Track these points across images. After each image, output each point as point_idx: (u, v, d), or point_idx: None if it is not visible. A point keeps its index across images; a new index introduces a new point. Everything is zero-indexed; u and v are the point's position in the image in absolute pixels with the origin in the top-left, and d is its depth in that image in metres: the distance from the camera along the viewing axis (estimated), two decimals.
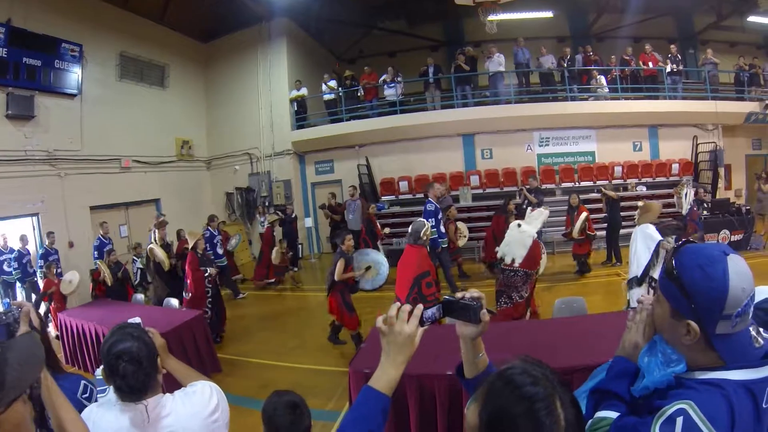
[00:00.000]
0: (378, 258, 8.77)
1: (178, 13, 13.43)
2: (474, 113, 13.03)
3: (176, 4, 13.23)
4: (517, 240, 5.93)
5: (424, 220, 6.17)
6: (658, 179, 12.94)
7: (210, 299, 7.39)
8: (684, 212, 9.54)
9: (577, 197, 9.54)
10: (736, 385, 1.11)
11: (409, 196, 13.12)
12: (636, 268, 4.09)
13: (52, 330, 7.50)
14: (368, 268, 7.63)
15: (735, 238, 10.04)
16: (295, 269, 11.82)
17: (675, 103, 13.08)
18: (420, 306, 1.25)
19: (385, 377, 1.23)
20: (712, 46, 14.15)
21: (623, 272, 9.34)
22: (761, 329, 1.22)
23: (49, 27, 10.06)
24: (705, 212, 10.21)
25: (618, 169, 12.91)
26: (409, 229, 5.56)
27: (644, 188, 12.55)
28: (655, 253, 3.98)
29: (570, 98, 13.12)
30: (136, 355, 1.62)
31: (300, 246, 13.16)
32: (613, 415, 1.27)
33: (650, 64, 13.31)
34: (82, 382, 2.05)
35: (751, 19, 14.10)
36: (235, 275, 11.03)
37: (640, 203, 6.08)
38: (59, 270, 8.86)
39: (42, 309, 8.23)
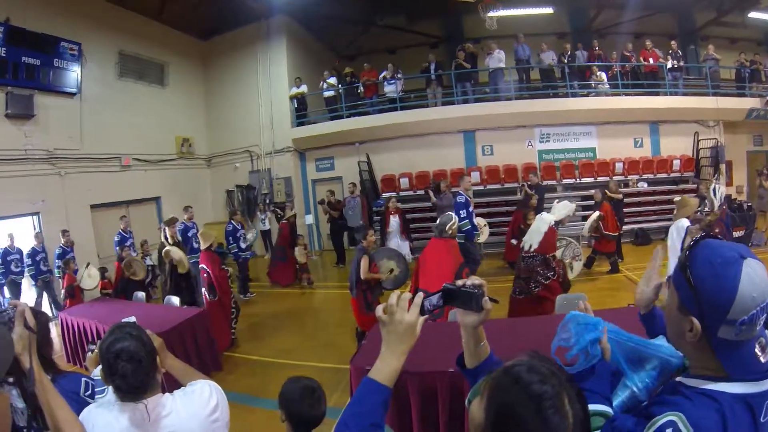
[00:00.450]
0: (400, 256, 8.62)
1: (176, 10, 13.39)
2: (474, 110, 12.99)
3: (174, 2, 13.17)
4: (536, 227, 6.02)
5: (452, 213, 6.07)
6: (659, 175, 12.91)
7: (233, 298, 7.23)
8: (716, 209, 9.38)
9: (600, 193, 9.45)
10: (734, 399, 1.07)
11: (410, 193, 13.08)
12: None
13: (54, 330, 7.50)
14: (391, 270, 7.48)
15: (736, 234, 10.01)
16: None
17: (676, 100, 13.05)
18: (420, 294, 1.23)
19: (386, 368, 1.21)
20: (713, 43, 14.09)
21: (624, 269, 9.37)
22: None
23: (48, 26, 10.04)
24: (706, 209, 10.19)
25: (619, 166, 12.89)
26: (437, 222, 5.60)
27: (645, 185, 12.53)
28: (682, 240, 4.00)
29: (570, 94, 13.10)
30: (135, 353, 1.61)
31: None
32: (608, 410, 1.26)
33: (651, 60, 13.28)
34: (83, 379, 2.04)
35: (752, 15, 14.04)
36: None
37: (677, 198, 6.05)
38: (76, 267, 8.86)
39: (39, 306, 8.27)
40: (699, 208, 9.06)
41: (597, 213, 8.99)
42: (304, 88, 14.21)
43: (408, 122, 13.11)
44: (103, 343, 1.66)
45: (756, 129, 14.36)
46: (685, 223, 4.16)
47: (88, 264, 8.94)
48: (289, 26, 14.81)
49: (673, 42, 13.69)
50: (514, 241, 9.58)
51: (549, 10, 14.62)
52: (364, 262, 5.97)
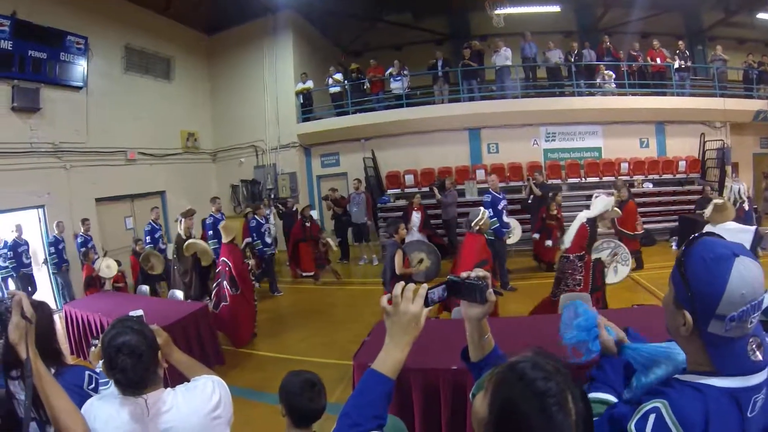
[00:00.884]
0: (430, 248, 8.57)
1: (182, 5, 13.41)
2: (480, 107, 12.95)
3: None
4: (572, 225, 5.76)
5: (482, 209, 6.04)
6: (664, 176, 12.85)
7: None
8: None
9: (627, 190, 9.32)
10: (720, 393, 1.10)
11: (415, 190, 13.03)
12: None
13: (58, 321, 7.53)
14: (420, 260, 7.40)
15: None
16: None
17: (683, 100, 12.98)
18: (425, 285, 1.24)
19: (390, 359, 1.21)
20: (721, 43, 14.01)
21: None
22: None
23: (55, 19, 10.05)
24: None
25: (624, 166, 12.83)
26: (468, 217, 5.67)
27: (650, 185, 12.48)
28: (758, 237, 3.97)
29: (577, 93, 13.04)
30: (135, 348, 1.61)
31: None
32: (611, 398, 1.30)
33: (658, 60, 13.20)
34: (87, 373, 2.04)
35: (761, 16, 13.96)
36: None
37: (718, 201, 5.92)
38: (96, 257, 8.93)
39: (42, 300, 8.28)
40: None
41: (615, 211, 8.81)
42: (309, 84, 14.23)
43: (414, 119, 13.11)
44: (105, 336, 1.66)
45: (763, 131, 14.25)
46: (733, 225, 4.18)
47: (105, 253, 9.05)
48: (295, 21, 14.80)
49: (680, 42, 13.61)
50: (536, 236, 9.60)
51: (556, 8, 14.60)
52: (399, 257, 5.80)
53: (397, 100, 13.62)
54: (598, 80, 12.99)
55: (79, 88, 10.79)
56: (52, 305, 7.20)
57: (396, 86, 13.73)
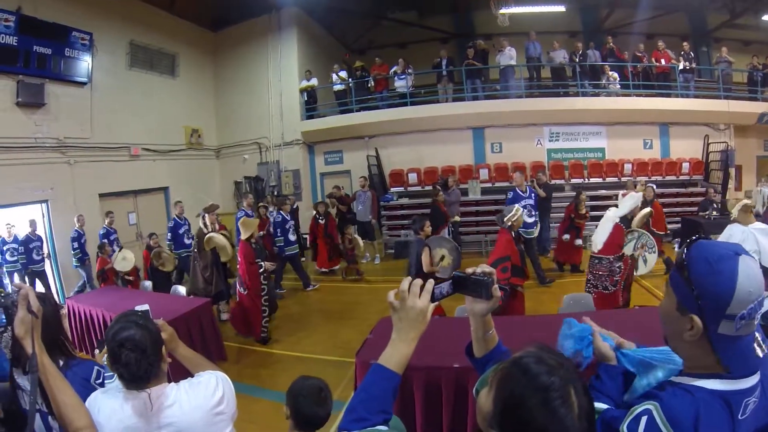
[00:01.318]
0: (452, 244, 8.51)
1: (187, 1, 13.42)
2: (484, 107, 12.95)
3: None
4: (601, 224, 5.77)
5: (516, 205, 6.04)
6: (668, 178, 12.81)
7: (266, 296, 6.82)
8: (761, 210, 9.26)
9: (652, 190, 9.12)
10: (711, 395, 1.11)
11: (418, 188, 13.08)
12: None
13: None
14: (442, 257, 7.37)
15: None
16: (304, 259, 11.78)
17: (687, 102, 12.94)
18: (431, 281, 1.24)
19: (396, 354, 1.22)
20: (726, 45, 13.95)
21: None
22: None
23: (60, 15, 10.06)
24: (714, 213, 10.12)
25: (628, 167, 12.79)
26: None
27: (654, 187, 12.44)
28: None
29: (581, 94, 13.03)
30: (139, 343, 1.62)
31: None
32: (602, 406, 1.29)
33: (662, 61, 13.16)
34: (95, 367, 2.06)
35: (766, 18, 13.91)
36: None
37: (747, 201, 5.90)
38: (114, 249, 9.00)
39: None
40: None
41: (648, 209, 8.75)
42: (314, 81, 14.23)
43: (417, 118, 13.11)
44: (109, 330, 1.67)
45: (767, 134, 14.22)
46: (762, 225, 4.20)
47: (122, 247, 9.12)
48: (300, 19, 14.78)
49: (685, 43, 13.57)
50: (566, 237, 9.25)
51: (561, 8, 14.55)
52: (426, 255, 5.67)
53: (401, 98, 13.61)
54: (603, 81, 12.97)
55: (84, 83, 10.79)
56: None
57: (400, 84, 13.74)
